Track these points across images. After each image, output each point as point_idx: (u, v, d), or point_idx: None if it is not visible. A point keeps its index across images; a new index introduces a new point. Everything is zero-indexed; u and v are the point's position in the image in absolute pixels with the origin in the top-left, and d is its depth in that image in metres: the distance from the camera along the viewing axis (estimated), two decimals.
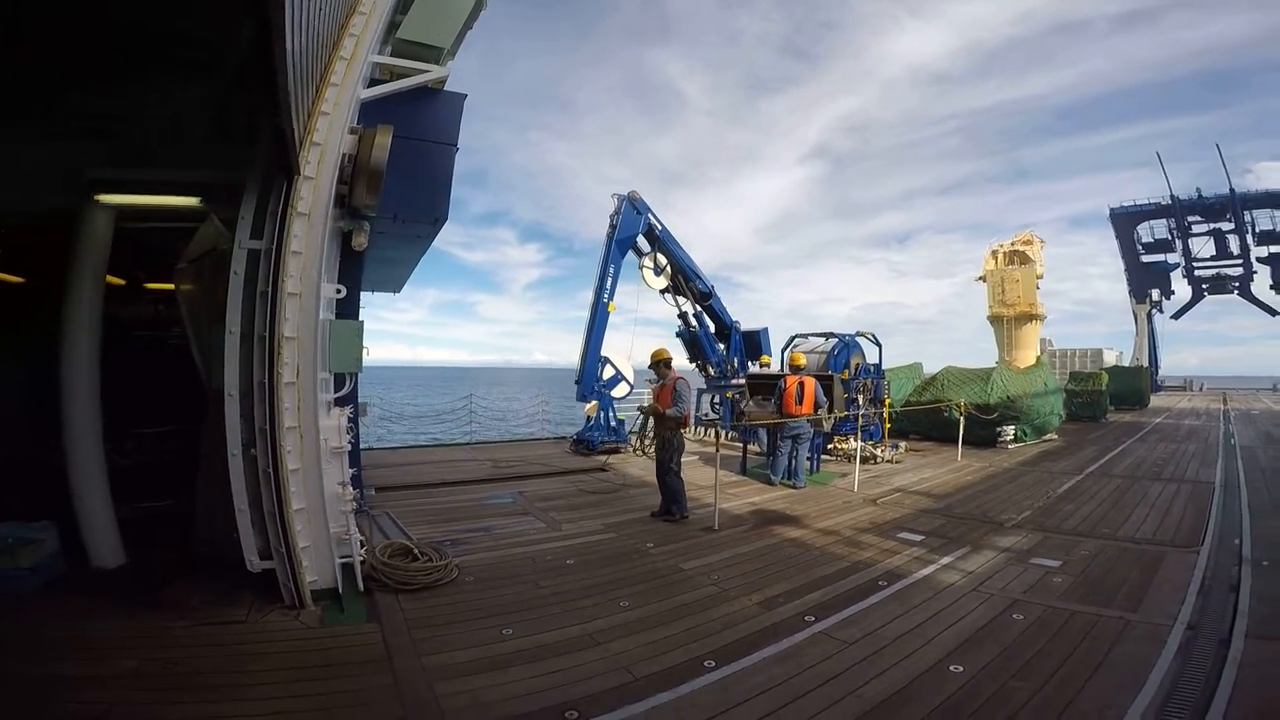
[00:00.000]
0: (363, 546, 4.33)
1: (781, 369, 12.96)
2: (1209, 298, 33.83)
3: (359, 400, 7.84)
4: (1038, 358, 31.23)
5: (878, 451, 11.17)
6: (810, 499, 8.08)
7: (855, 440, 11.69)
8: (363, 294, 7.10)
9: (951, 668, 3.49)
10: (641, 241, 12.91)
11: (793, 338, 13.48)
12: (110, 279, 7.17)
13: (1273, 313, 32.50)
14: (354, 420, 4.98)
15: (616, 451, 11.49)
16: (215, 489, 4.25)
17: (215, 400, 4.03)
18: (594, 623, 4.07)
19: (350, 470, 4.36)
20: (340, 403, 4.81)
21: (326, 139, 4.44)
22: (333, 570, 4.05)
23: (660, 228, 12.98)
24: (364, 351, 4.77)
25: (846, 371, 11.93)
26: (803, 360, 9.73)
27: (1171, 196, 31.33)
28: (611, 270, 11.90)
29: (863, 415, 10.88)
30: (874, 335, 12.92)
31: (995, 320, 32.16)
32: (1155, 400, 27.39)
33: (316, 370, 4.08)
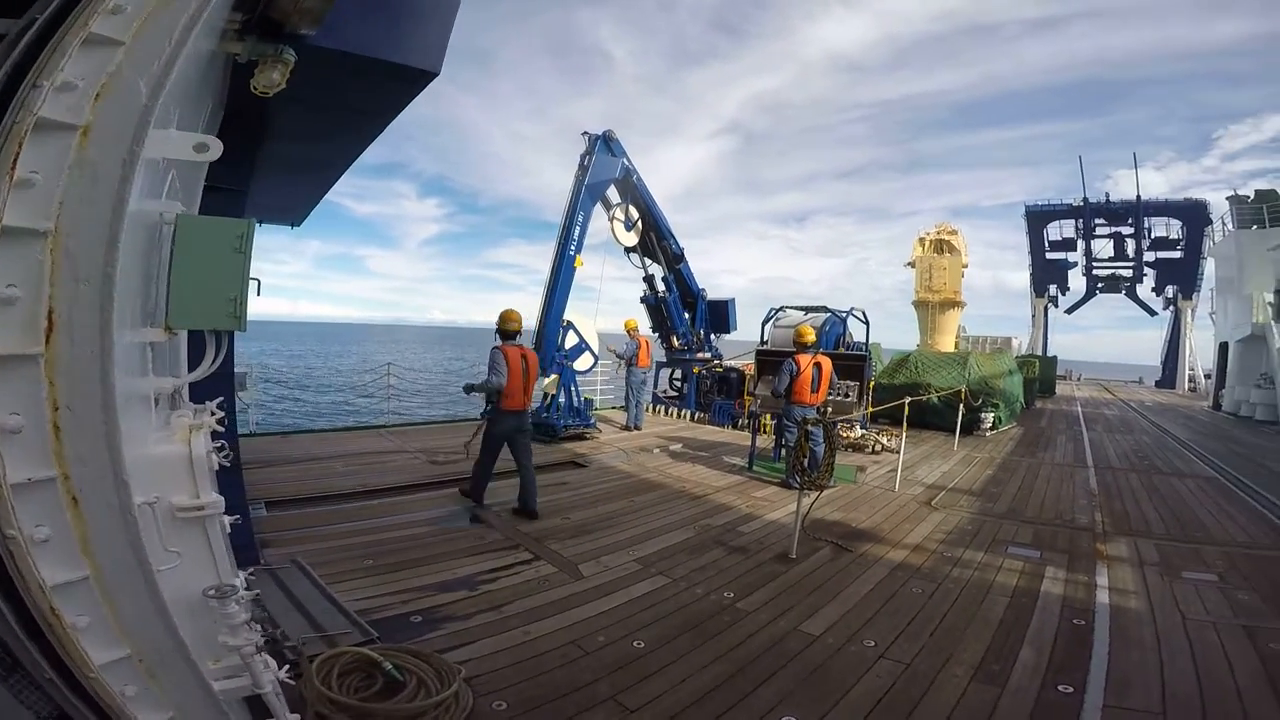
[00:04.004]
0: (289, 670, 2.01)
1: (762, 342, 11.42)
2: (1099, 295, 36.56)
3: (235, 369, 5.09)
4: (955, 342, 32.29)
5: (883, 439, 9.87)
6: (857, 503, 6.52)
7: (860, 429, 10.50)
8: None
9: None
10: (611, 191, 10.86)
11: (773, 310, 11.88)
12: None
13: (1152, 313, 35.64)
14: (227, 422, 2.49)
15: (583, 438, 9.38)
16: None
17: None
18: None
19: (233, 520, 2.03)
20: (200, 394, 2.41)
21: None
22: None
23: (637, 175, 10.93)
24: (253, 286, 2.26)
25: (841, 349, 10.57)
26: (813, 336, 8.03)
27: (1084, 199, 33.24)
28: (580, 218, 9.75)
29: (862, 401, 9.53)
30: (864, 313, 11.63)
31: (920, 305, 32.75)
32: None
33: (116, 323, 1.55)
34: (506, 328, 5.71)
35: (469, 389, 5.70)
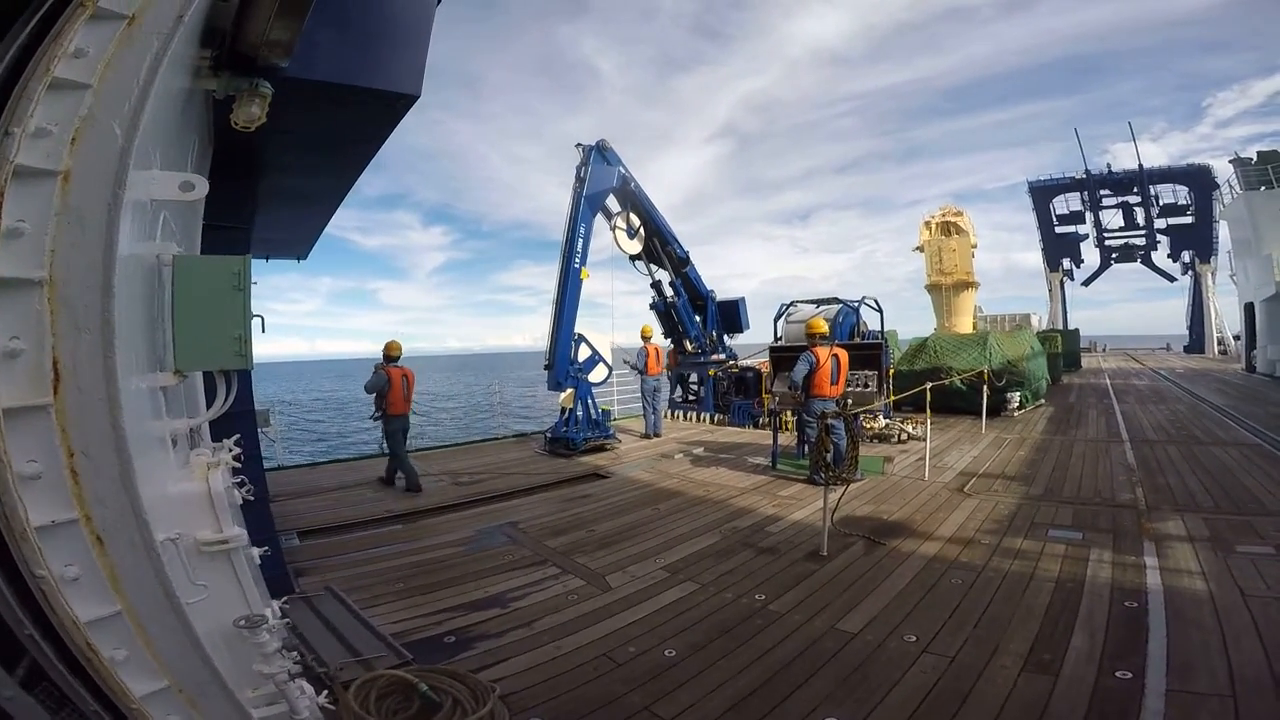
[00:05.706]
0: (327, 695, 2.01)
1: (776, 339, 11.33)
2: (1115, 265, 36.05)
3: (256, 407, 5.22)
4: (973, 323, 31.84)
5: (908, 428, 9.71)
6: (887, 495, 6.38)
7: (883, 418, 10.35)
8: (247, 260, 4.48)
9: None
10: (610, 201, 10.87)
11: (785, 306, 11.80)
12: None
13: (1171, 279, 35.13)
14: (248, 456, 2.54)
15: (603, 449, 9.35)
16: None
17: None
18: None
19: (262, 551, 2.02)
20: (220, 432, 2.43)
21: None
22: None
23: (634, 183, 10.94)
24: (257, 322, 2.25)
25: (856, 339, 10.45)
26: (824, 327, 7.92)
27: (1086, 171, 33.05)
28: (582, 230, 9.76)
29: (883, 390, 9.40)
30: (876, 301, 11.51)
31: (933, 289, 32.47)
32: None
33: (121, 369, 1.59)
34: (390, 354, 7.42)
35: (367, 388, 7.32)
